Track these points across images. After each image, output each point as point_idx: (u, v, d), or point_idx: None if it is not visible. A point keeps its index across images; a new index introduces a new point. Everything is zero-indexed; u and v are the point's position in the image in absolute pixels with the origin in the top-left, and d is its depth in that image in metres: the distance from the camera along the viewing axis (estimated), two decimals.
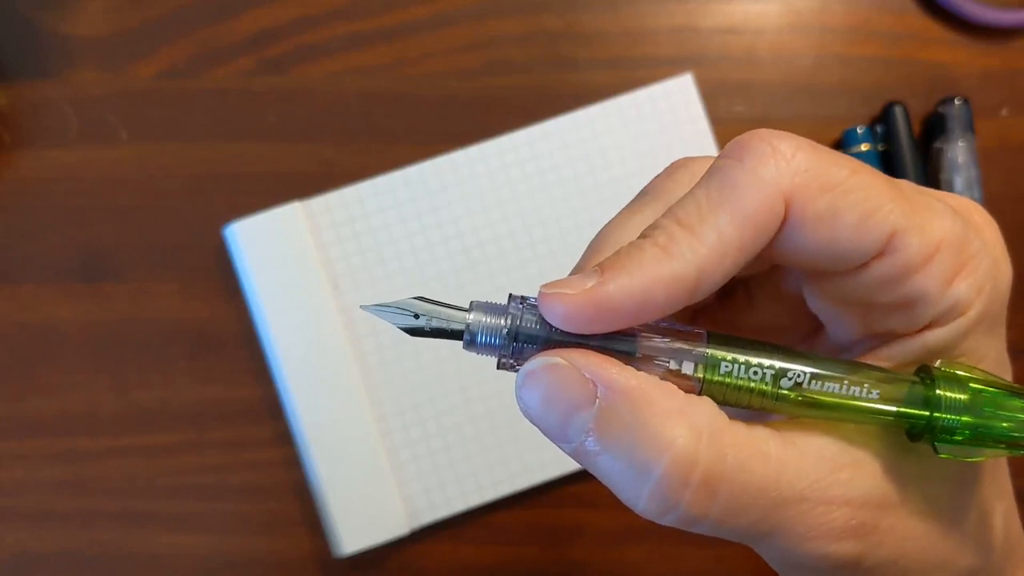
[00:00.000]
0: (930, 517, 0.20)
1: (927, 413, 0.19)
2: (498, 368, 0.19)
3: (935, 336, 0.20)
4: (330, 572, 0.42)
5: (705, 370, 0.19)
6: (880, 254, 0.19)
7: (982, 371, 0.20)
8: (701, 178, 0.20)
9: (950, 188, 0.42)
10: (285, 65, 0.43)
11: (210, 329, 0.43)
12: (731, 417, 0.19)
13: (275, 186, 0.42)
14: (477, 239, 0.42)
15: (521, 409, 0.19)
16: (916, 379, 0.20)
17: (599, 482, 0.19)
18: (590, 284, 0.18)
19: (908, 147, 0.42)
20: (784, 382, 0.19)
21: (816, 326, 0.23)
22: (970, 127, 0.42)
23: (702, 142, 0.42)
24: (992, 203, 0.43)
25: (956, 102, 0.42)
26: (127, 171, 0.43)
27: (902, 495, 0.20)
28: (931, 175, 0.43)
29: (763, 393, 0.19)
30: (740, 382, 0.19)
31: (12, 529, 0.42)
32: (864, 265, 0.20)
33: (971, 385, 0.19)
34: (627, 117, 0.42)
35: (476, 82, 0.43)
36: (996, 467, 0.22)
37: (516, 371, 0.19)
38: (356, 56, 0.44)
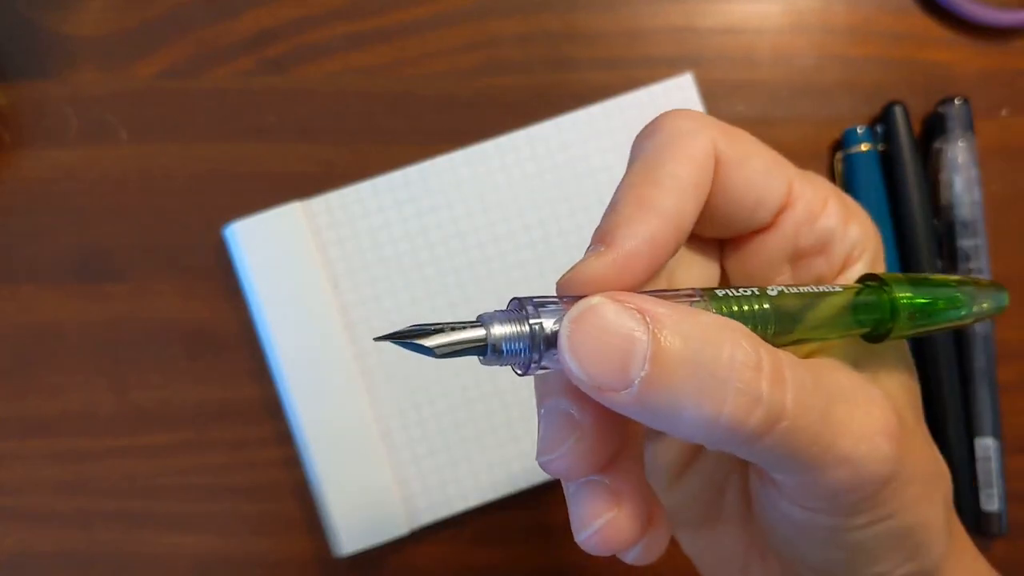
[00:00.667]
0: (918, 432, 0.23)
1: (886, 311, 0.22)
2: (521, 376, 0.19)
3: (854, 273, 0.23)
4: (330, 572, 0.42)
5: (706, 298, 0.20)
6: (787, 205, 0.23)
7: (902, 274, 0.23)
8: (645, 142, 0.22)
9: (950, 188, 0.42)
10: (285, 65, 0.43)
11: (210, 329, 0.43)
12: None
13: (275, 186, 0.42)
14: (477, 239, 0.42)
15: (570, 366, 0.18)
16: (865, 285, 0.22)
17: None
18: (600, 253, 0.19)
19: (908, 147, 0.42)
20: (771, 291, 0.21)
21: None
22: (970, 127, 0.42)
23: None
24: (992, 203, 0.43)
25: (956, 102, 0.42)
26: (127, 171, 0.43)
27: (902, 410, 0.22)
28: (931, 175, 0.43)
29: (757, 298, 0.20)
30: (736, 306, 0.20)
31: (12, 529, 0.42)
32: (777, 219, 0.23)
33: (907, 280, 0.22)
34: (627, 117, 0.42)
35: (476, 82, 0.43)
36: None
37: (536, 374, 0.19)
38: (356, 56, 0.44)
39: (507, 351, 0.18)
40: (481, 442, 0.41)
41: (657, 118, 0.22)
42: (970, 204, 0.42)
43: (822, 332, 0.21)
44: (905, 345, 0.25)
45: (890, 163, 0.43)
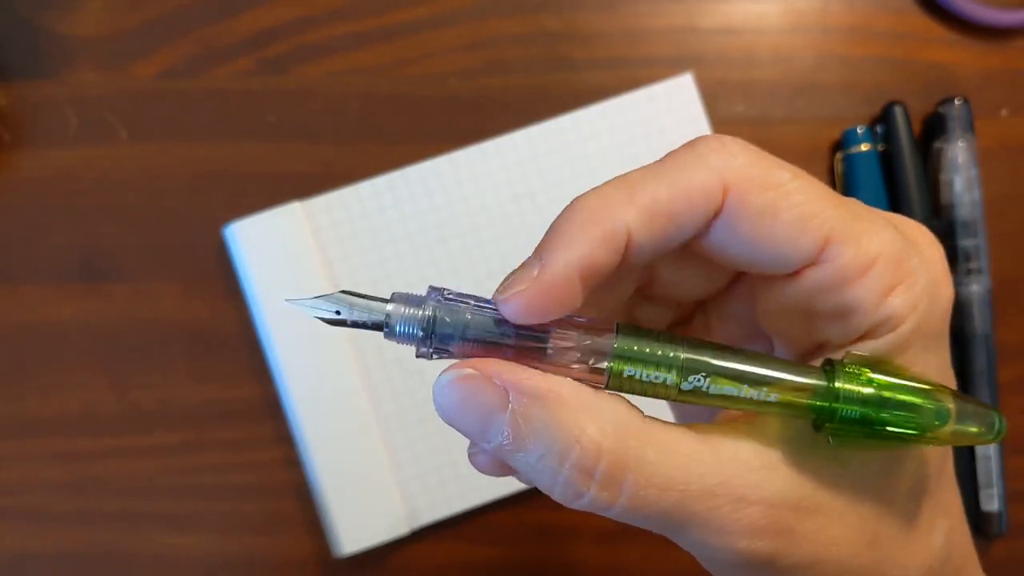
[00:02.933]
0: (852, 525, 0.20)
1: (827, 404, 0.20)
2: (416, 357, 0.20)
3: (870, 347, 0.20)
4: (330, 572, 0.42)
5: (612, 364, 0.20)
6: (815, 262, 0.20)
7: (897, 366, 0.20)
8: (667, 154, 0.21)
9: (950, 188, 0.42)
10: (285, 65, 0.43)
11: (210, 329, 0.43)
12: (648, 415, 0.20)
13: (275, 186, 0.42)
14: (477, 239, 0.42)
15: (440, 415, 0.20)
16: (821, 371, 0.20)
17: None
18: (535, 273, 0.20)
19: (908, 147, 0.42)
20: (688, 383, 0.20)
21: (768, 347, 0.24)
22: (970, 127, 0.42)
23: None
24: (992, 203, 0.43)
25: (956, 102, 0.42)
26: (127, 171, 0.43)
27: (821, 499, 0.20)
28: (931, 175, 0.43)
29: (668, 388, 0.20)
30: (646, 380, 0.20)
31: (12, 529, 0.42)
32: (799, 272, 0.20)
33: (874, 380, 0.19)
34: (627, 117, 0.42)
35: (476, 82, 0.43)
36: (940, 484, 0.22)
37: (432, 360, 0.20)
38: (356, 56, 0.44)
39: (400, 332, 0.20)
40: None
41: (690, 140, 0.21)
42: (970, 204, 0.42)
43: (743, 406, 0.20)
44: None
45: (890, 163, 0.43)
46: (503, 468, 0.21)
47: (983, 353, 0.42)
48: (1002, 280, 0.43)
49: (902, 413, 0.19)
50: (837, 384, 0.19)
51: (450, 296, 0.20)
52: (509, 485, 0.41)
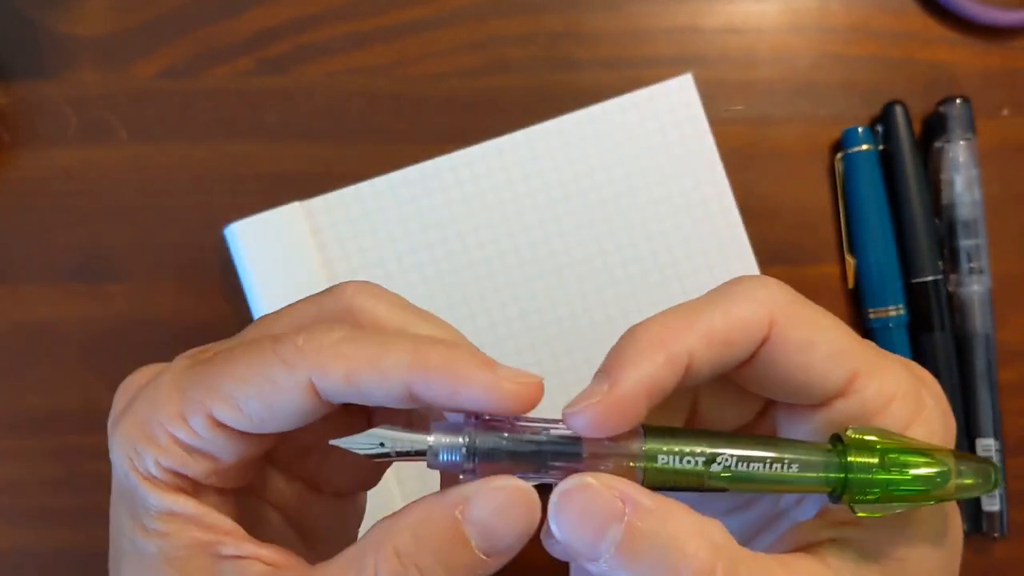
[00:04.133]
0: None
1: (843, 475, 0.21)
2: (461, 479, 0.22)
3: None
4: None
5: (646, 462, 0.21)
6: (842, 394, 0.22)
7: (893, 434, 0.22)
8: (715, 289, 0.23)
9: (951, 188, 0.42)
10: (285, 65, 0.43)
11: (210, 329, 0.42)
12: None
13: (275, 186, 0.42)
14: (477, 239, 0.42)
15: (554, 530, 0.21)
16: (831, 447, 0.22)
17: None
18: (605, 388, 0.21)
19: (908, 147, 0.42)
20: (715, 467, 0.21)
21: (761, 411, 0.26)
22: (970, 127, 0.42)
23: (702, 142, 0.42)
24: (992, 203, 0.43)
25: (956, 102, 0.42)
26: (127, 171, 0.43)
27: None
28: (931, 175, 0.43)
29: (699, 475, 0.21)
30: (677, 468, 0.21)
31: (9, 527, 0.42)
32: (826, 403, 0.22)
33: (879, 447, 0.21)
34: (627, 117, 0.42)
35: (476, 82, 0.43)
36: None
37: (474, 479, 0.21)
38: (356, 56, 0.44)
39: (443, 460, 0.21)
40: None
41: (732, 279, 0.23)
42: (970, 204, 0.42)
43: (770, 487, 0.22)
44: (945, 517, 0.24)
45: (890, 163, 0.42)
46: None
47: (983, 353, 0.42)
48: (1002, 280, 0.43)
49: (908, 475, 0.21)
50: (848, 458, 0.21)
51: (485, 419, 0.22)
52: None
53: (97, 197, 0.43)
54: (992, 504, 0.42)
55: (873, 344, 0.23)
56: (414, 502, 0.21)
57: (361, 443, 0.21)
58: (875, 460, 0.21)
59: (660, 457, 0.21)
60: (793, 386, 0.23)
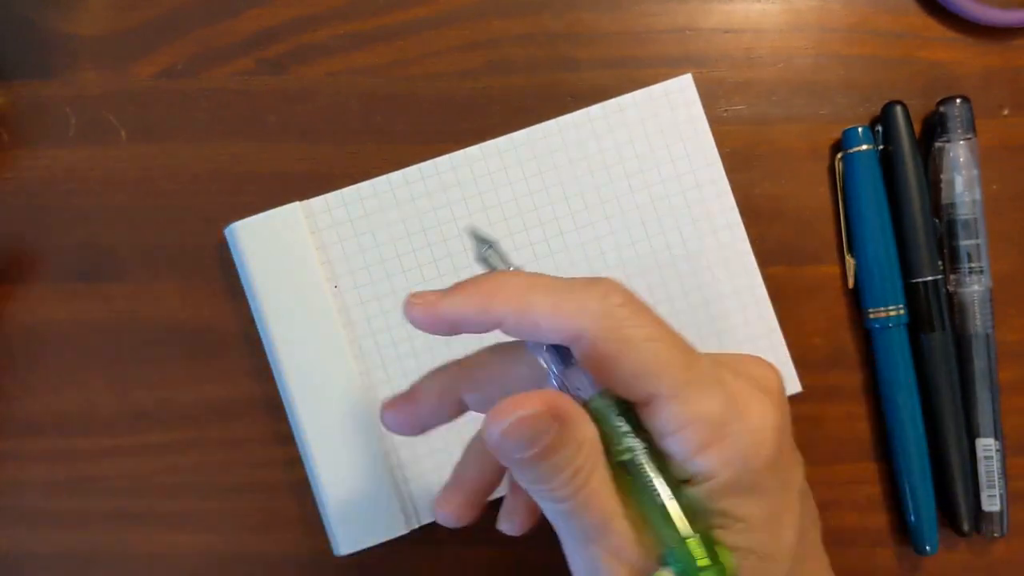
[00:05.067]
0: None
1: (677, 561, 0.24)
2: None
3: (694, 492, 0.24)
4: (330, 572, 0.42)
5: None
6: (647, 406, 0.25)
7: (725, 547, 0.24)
8: None
9: (951, 188, 0.42)
10: (285, 65, 0.43)
11: (210, 329, 0.43)
12: None
13: (275, 186, 0.42)
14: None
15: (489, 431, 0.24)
16: (691, 539, 0.24)
17: None
18: (433, 299, 0.26)
19: (908, 147, 0.42)
20: (626, 455, 0.25)
21: None
22: (971, 126, 0.42)
23: (702, 142, 0.42)
24: (992, 203, 0.43)
25: (956, 102, 0.42)
26: (127, 171, 0.43)
27: None
28: (931, 175, 0.43)
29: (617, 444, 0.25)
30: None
31: (10, 529, 0.42)
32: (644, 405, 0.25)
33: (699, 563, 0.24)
34: (627, 117, 0.42)
35: (476, 82, 0.43)
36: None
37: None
38: (356, 56, 0.44)
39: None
40: None
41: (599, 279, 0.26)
42: (971, 204, 0.42)
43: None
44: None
45: (890, 163, 0.42)
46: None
47: (983, 353, 0.42)
48: (1002, 280, 0.43)
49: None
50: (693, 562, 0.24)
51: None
52: (509, 485, 0.41)
53: (97, 197, 0.43)
54: (992, 504, 0.42)
55: (711, 359, 0.25)
56: None
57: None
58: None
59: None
60: (611, 384, 0.25)
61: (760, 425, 0.25)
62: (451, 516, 0.30)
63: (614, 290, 0.24)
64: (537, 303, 0.24)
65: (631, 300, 0.24)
